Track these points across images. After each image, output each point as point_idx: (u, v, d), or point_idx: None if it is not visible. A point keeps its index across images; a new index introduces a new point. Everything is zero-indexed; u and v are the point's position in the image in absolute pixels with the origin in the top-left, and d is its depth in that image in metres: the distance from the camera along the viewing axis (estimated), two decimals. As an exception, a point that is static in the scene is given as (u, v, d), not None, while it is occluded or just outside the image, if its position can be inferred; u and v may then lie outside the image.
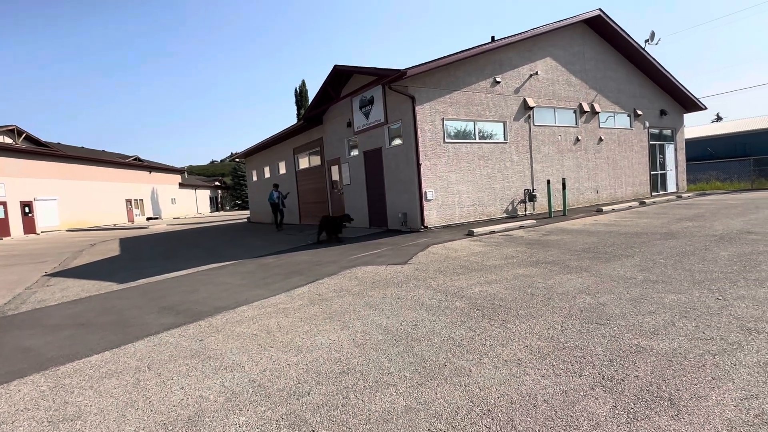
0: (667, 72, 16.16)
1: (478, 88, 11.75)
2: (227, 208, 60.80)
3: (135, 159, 43.25)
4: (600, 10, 13.99)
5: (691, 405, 2.32)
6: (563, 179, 12.56)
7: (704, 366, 2.74)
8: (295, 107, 44.41)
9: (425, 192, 10.71)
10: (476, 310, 4.27)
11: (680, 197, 16.06)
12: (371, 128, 12.21)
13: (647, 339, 3.22)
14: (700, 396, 2.40)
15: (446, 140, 11.15)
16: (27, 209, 26.25)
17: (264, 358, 3.46)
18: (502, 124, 12.34)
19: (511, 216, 12.41)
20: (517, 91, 12.62)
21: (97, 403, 2.92)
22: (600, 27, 14.66)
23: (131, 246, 14.57)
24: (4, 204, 24.64)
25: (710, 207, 11.97)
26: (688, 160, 19.65)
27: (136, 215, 37.84)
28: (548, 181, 12.31)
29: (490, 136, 12.19)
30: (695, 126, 36.04)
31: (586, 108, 14.30)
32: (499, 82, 12.11)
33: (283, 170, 20.00)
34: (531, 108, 12.78)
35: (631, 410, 2.32)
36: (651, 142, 17.06)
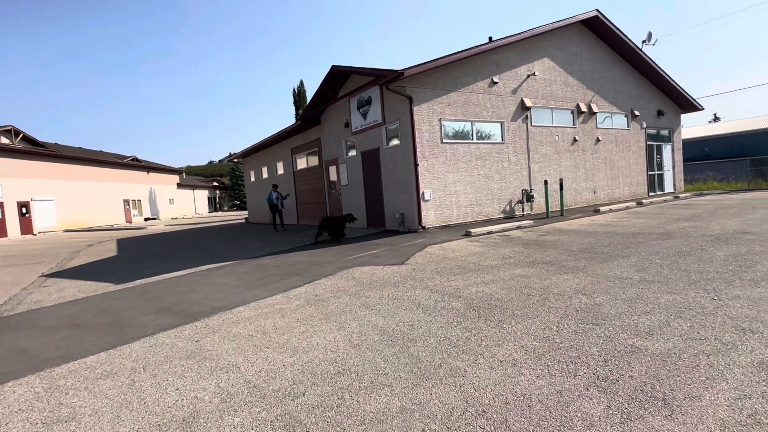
0: (664, 72, 16.22)
1: (475, 89, 11.76)
2: (225, 208, 60.73)
3: (133, 159, 43.14)
4: (597, 10, 14.03)
5: (684, 405, 2.33)
6: (560, 179, 12.58)
7: (698, 366, 2.75)
8: (294, 107, 44.40)
9: (423, 192, 10.71)
10: (472, 310, 4.28)
11: (677, 197, 16.11)
12: (369, 129, 12.22)
13: (642, 339, 3.23)
14: (694, 396, 2.41)
15: (444, 141, 11.16)
16: (24, 210, 26.17)
17: (260, 359, 3.46)
18: (499, 124, 12.36)
19: (509, 216, 12.42)
20: (514, 91, 12.64)
21: (92, 404, 2.92)
22: (597, 27, 14.70)
23: (129, 246, 14.54)
24: (0, 204, 24.55)
25: (707, 207, 12.00)
26: (685, 160, 19.72)
27: (134, 216, 37.76)
28: (546, 182, 12.32)
29: (488, 137, 12.20)
30: (692, 126, 36.22)
31: (584, 108, 14.33)
32: (496, 83, 12.12)
33: (281, 170, 19.99)
34: (528, 108, 12.80)
35: (625, 410, 2.32)
36: (648, 143, 17.11)
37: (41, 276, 9.10)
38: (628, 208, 13.30)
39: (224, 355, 3.60)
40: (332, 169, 15.09)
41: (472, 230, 9.67)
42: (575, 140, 14.28)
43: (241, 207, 54.18)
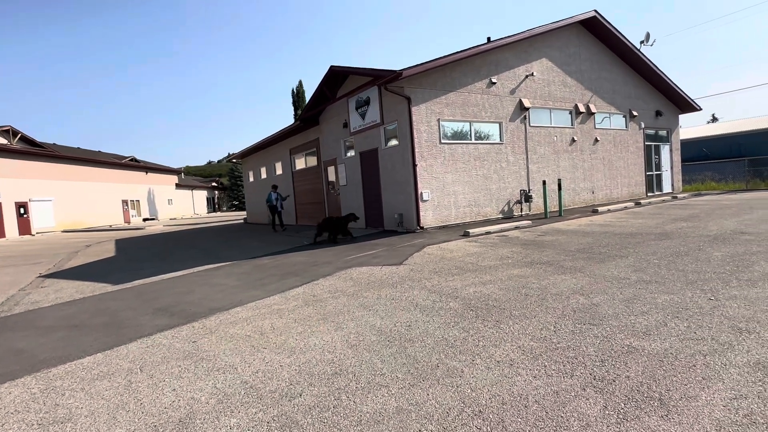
0: (662, 73, 16.24)
1: (474, 89, 11.77)
2: (224, 208, 60.67)
3: (131, 159, 43.09)
4: (595, 11, 14.05)
5: (680, 405, 2.33)
6: (559, 180, 12.59)
7: (695, 366, 2.75)
8: (293, 108, 44.40)
9: (421, 193, 10.72)
10: (470, 310, 4.28)
11: (675, 198, 16.14)
12: (367, 129, 12.22)
13: (639, 339, 3.24)
14: (690, 396, 2.41)
15: (442, 141, 11.16)
16: (22, 210, 26.12)
17: (257, 360, 3.45)
18: (498, 124, 12.37)
19: (507, 217, 12.43)
20: (513, 92, 12.65)
21: (88, 405, 2.91)
22: (595, 28, 14.72)
23: (127, 247, 14.52)
24: (-2, 205, 24.52)
25: (705, 207, 12.02)
26: (683, 160, 19.76)
27: (133, 216, 37.71)
28: (544, 182, 12.34)
29: (486, 137, 12.21)
30: (691, 127, 36.29)
31: (582, 109, 14.35)
32: (495, 83, 12.13)
33: (279, 171, 19.98)
34: (527, 109, 12.81)
35: (622, 410, 2.33)
36: (646, 143, 17.14)
37: (39, 276, 9.08)
38: (626, 208, 13.31)
39: (221, 356, 3.60)
40: (331, 170, 15.08)
41: (471, 230, 9.68)
42: (573, 140, 14.30)
43: (240, 207, 54.14)
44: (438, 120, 11.05)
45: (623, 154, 16.18)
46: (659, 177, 17.94)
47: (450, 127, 11.44)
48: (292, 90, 44.77)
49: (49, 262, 11.63)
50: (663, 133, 18.05)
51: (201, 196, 53.83)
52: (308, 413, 2.56)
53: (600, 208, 12.89)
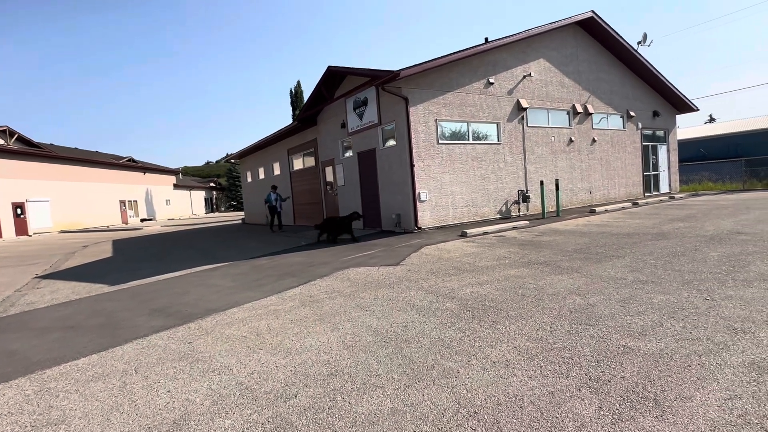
0: (659, 73, 16.28)
1: (471, 90, 11.77)
2: (222, 209, 60.56)
3: (129, 160, 42.99)
4: (593, 11, 14.07)
5: (675, 405, 2.33)
6: (556, 180, 12.61)
7: (690, 366, 2.75)
8: (291, 108, 44.38)
9: (419, 193, 10.71)
10: (467, 311, 4.27)
11: (673, 198, 16.17)
12: (365, 129, 12.21)
13: (635, 340, 3.24)
14: (685, 396, 2.41)
15: (440, 141, 11.16)
16: (19, 211, 26.02)
17: (252, 361, 3.44)
18: (495, 125, 12.38)
19: (505, 217, 12.44)
20: (510, 92, 12.66)
21: (82, 407, 2.90)
22: (593, 29, 14.74)
23: (124, 247, 14.48)
24: (-5, 205, 24.43)
25: (702, 208, 12.05)
26: (681, 161, 19.80)
27: (130, 216, 37.61)
28: (542, 182, 12.35)
29: (484, 137, 12.21)
30: (688, 127, 36.36)
31: (580, 109, 14.37)
32: (492, 84, 12.14)
33: (277, 171, 19.96)
34: (524, 109, 12.82)
35: (617, 411, 2.32)
36: (644, 143, 17.17)
37: (35, 277, 9.04)
38: (623, 208, 13.34)
39: (217, 357, 3.59)
40: (329, 170, 15.07)
41: (468, 231, 9.68)
42: (571, 141, 14.31)
43: (238, 208, 54.06)
44: (436, 120, 11.05)
45: (621, 155, 16.21)
46: (656, 177, 17.98)
47: (448, 127, 11.44)
48: (291, 90, 44.79)
49: (45, 262, 11.58)
50: (660, 133, 18.09)
51: (199, 196, 53.73)
52: (303, 414, 2.55)
53: (597, 209, 12.91)
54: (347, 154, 13.59)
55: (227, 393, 2.91)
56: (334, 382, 2.94)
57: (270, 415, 2.58)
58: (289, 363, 3.34)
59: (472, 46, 11.22)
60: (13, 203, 25.63)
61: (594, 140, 15.07)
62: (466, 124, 11.76)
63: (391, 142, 11.33)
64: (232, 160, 30.93)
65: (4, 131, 30.09)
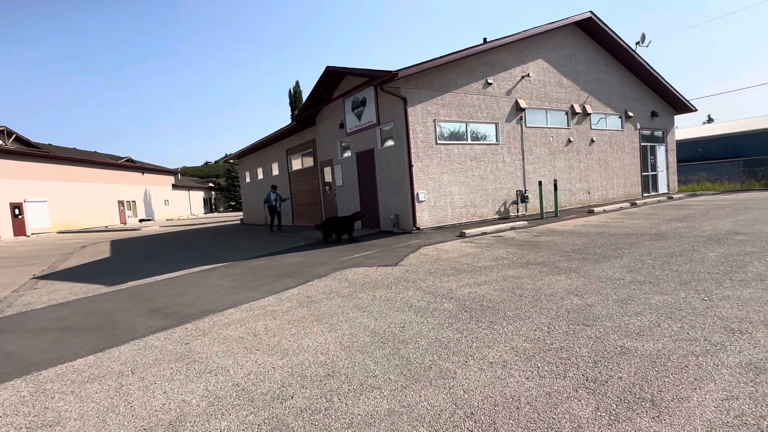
0: (658, 74, 16.30)
1: (470, 90, 11.77)
2: (221, 209, 60.50)
3: (127, 160, 42.93)
4: (591, 12, 14.09)
5: (672, 406, 2.33)
6: (555, 180, 12.61)
7: (687, 367, 2.75)
8: (290, 108, 44.36)
9: (417, 193, 10.71)
10: (464, 311, 4.27)
11: (671, 198, 16.19)
12: (363, 129, 12.20)
13: (632, 340, 3.23)
14: (682, 397, 2.41)
15: (438, 141, 11.16)
16: (17, 211, 25.96)
17: (249, 362, 3.43)
18: (494, 125, 12.38)
19: (504, 217, 12.44)
20: (509, 92, 12.66)
21: (78, 408, 2.88)
22: (591, 29, 14.75)
23: (122, 248, 14.45)
24: (-7, 206, 24.36)
25: (700, 208, 12.07)
26: (679, 161, 19.83)
27: (129, 217, 37.55)
28: (540, 183, 12.35)
29: (483, 138, 12.21)
30: (687, 127, 36.42)
31: (578, 109, 14.38)
32: (491, 84, 12.14)
33: (276, 171, 19.93)
34: (523, 109, 12.83)
35: (613, 412, 2.32)
36: (642, 144, 17.19)
37: (33, 278, 9.02)
38: (621, 208, 13.35)
39: (213, 358, 3.58)
40: (327, 170, 15.06)
41: (467, 231, 9.67)
42: (569, 141, 14.32)
43: (237, 208, 54.00)
44: (434, 121, 11.05)
45: (619, 155, 16.23)
46: (655, 177, 18.01)
47: (446, 127, 11.44)
48: (290, 90, 44.79)
49: (43, 263, 11.55)
50: (659, 133, 18.12)
51: (198, 196, 53.67)
52: (299, 415, 2.54)
53: (596, 209, 12.92)
54: (346, 155, 13.58)
55: (223, 394, 2.90)
56: (331, 383, 2.93)
57: (266, 416, 2.57)
58: (286, 364, 3.33)
59: (470, 47, 11.23)
60: (11, 203, 25.57)
61: (592, 140, 15.09)
62: (464, 124, 11.76)
63: (390, 143, 11.32)
64: (231, 161, 30.90)
65: (2, 131, 30.02)
